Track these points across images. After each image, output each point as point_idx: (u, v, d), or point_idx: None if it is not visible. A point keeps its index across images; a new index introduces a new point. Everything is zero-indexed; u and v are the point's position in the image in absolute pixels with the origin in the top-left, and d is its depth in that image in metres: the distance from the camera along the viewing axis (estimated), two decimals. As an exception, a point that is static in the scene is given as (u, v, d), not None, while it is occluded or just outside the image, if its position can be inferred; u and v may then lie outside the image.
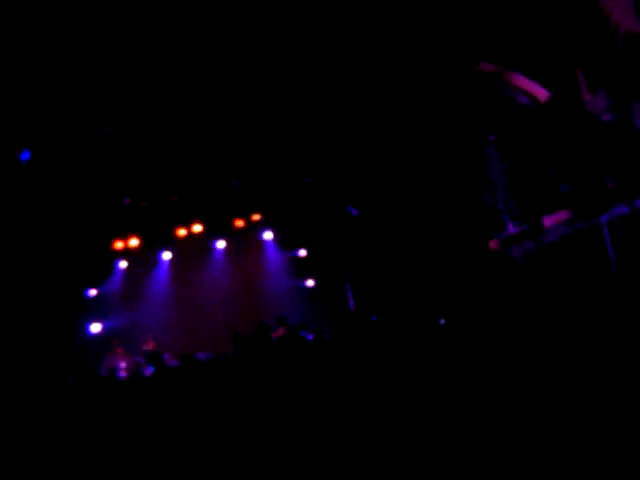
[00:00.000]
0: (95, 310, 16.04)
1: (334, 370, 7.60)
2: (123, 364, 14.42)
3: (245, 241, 16.51)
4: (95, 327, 15.83)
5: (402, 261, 14.26)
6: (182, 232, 16.16)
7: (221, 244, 16.47)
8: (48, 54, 10.60)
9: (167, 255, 16.49)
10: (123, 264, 16.40)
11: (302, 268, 16.15)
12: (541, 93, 12.02)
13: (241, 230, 16.38)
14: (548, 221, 11.84)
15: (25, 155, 12.33)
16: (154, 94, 12.31)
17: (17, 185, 13.19)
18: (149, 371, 12.04)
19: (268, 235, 16.50)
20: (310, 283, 16.14)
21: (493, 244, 12.73)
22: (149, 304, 16.38)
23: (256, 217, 16.29)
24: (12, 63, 10.58)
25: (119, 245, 16.21)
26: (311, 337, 11.17)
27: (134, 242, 16.16)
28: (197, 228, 16.11)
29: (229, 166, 14.79)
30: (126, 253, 16.43)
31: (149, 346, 14.28)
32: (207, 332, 15.05)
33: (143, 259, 16.50)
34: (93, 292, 16.03)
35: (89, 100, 12.16)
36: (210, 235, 16.38)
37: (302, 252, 16.20)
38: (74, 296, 15.71)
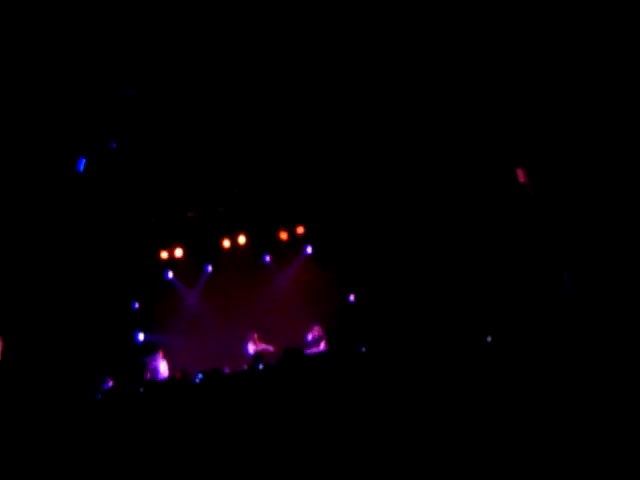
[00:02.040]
0: (141, 319, 16.30)
1: (380, 382, 7.56)
2: (166, 372, 14.64)
3: (289, 254, 16.53)
4: (141, 336, 16.10)
5: (449, 275, 14.11)
6: (227, 243, 16.30)
7: (266, 257, 16.58)
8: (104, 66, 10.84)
9: (211, 266, 16.65)
10: (170, 274, 16.62)
11: (344, 283, 16.07)
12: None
13: (285, 244, 16.41)
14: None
15: (81, 165, 12.62)
16: (204, 108, 12.48)
17: (70, 195, 13.52)
18: (199, 378, 12.15)
19: (309, 249, 16.52)
20: (351, 298, 16.07)
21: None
22: (192, 316, 16.55)
23: (300, 230, 16.30)
24: (67, 75, 10.83)
25: (164, 256, 16.44)
26: (364, 349, 11.13)
27: (179, 252, 16.37)
28: (242, 240, 16.23)
29: (275, 178, 14.87)
30: (172, 264, 16.65)
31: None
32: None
33: (188, 270, 16.67)
34: (137, 304, 16.32)
35: (137, 112, 12.39)
36: (255, 247, 16.45)
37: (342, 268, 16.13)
38: (123, 305, 16.00)
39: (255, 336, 14.72)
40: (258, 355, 14.09)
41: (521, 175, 11.90)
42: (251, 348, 14.57)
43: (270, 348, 14.43)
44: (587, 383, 6.01)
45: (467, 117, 12.67)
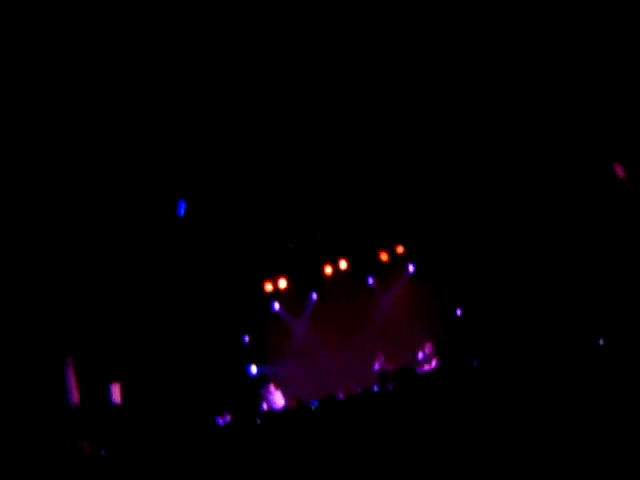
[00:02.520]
0: (252, 352, 16.64)
1: (493, 397, 7.39)
2: (281, 402, 14.82)
3: (391, 274, 16.49)
4: (253, 369, 16.42)
5: (554, 280, 13.73)
6: (329, 270, 16.43)
7: (369, 279, 16.60)
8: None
9: (315, 295, 16.83)
10: (276, 306, 16.91)
11: (449, 298, 15.86)
12: None
13: (386, 264, 16.39)
14: None
15: (182, 209, 13.11)
16: (295, 135, 12.73)
17: (175, 238, 14.06)
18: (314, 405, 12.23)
19: (411, 268, 16.43)
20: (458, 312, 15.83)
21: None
22: (301, 344, 16.73)
23: (400, 249, 16.25)
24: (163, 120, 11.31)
25: (269, 287, 16.73)
26: (476, 363, 10.90)
27: (283, 283, 16.63)
28: (343, 265, 16.32)
29: (370, 200, 14.91)
30: (277, 295, 16.92)
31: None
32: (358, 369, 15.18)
33: (293, 300, 16.90)
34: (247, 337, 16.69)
35: (229, 151, 12.77)
36: (357, 271, 16.51)
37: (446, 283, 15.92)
38: (234, 340, 16.40)
39: (382, 357, 14.65)
40: (384, 373, 13.95)
41: (619, 171, 11.50)
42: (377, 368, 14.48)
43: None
44: None
45: (564, 113, 12.37)
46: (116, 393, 14.04)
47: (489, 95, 12.26)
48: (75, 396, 13.20)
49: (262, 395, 15.18)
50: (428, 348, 14.18)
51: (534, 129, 12.87)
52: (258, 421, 12.28)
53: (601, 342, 8.79)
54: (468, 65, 11.52)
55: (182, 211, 13.40)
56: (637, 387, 6.17)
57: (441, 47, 11.15)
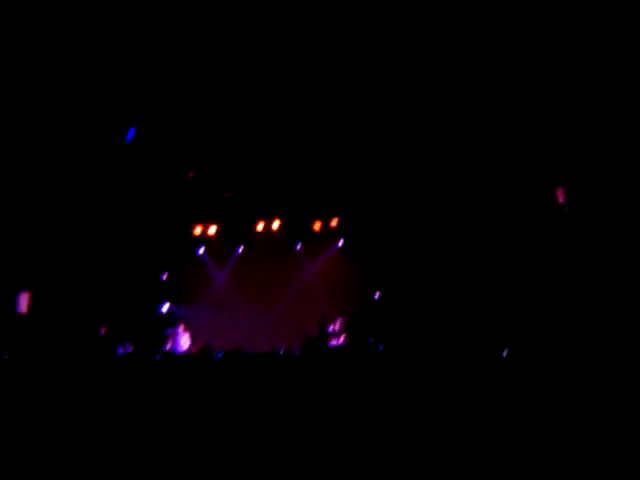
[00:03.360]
0: (168, 292, 16.63)
1: (391, 381, 7.63)
2: (187, 345, 14.91)
3: (320, 245, 16.65)
4: (165, 307, 16.44)
5: (476, 283, 14.14)
6: (260, 226, 16.48)
7: (298, 245, 16.72)
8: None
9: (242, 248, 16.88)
10: (201, 250, 16.90)
11: (371, 280, 16.13)
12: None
13: (318, 234, 16.53)
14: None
15: (130, 135, 12.97)
16: (254, 91, 12.65)
17: (116, 163, 13.87)
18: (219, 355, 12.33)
19: (340, 242, 16.60)
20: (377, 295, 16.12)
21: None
22: (218, 293, 16.81)
23: (334, 223, 16.39)
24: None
25: (197, 231, 16.69)
26: (381, 347, 11.19)
27: (212, 230, 16.62)
28: (275, 225, 16.39)
29: (315, 169, 14.98)
30: (204, 240, 16.90)
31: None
32: (269, 329, 15.37)
33: (219, 249, 16.91)
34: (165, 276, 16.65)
35: (187, 88, 12.61)
36: (288, 234, 16.60)
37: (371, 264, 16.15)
38: (151, 277, 16.33)
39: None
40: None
41: (561, 195, 11.87)
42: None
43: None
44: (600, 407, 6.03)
45: (511, 130, 12.65)
46: (23, 303, 13.86)
47: (430, 89, 12.42)
48: None
49: (169, 334, 15.21)
50: (339, 324, 14.42)
51: (474, 127, 13.11)
52: (157, 358, 12.35)
53: (505, 354, 9.13)
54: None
55: (130, 137, 13.26)
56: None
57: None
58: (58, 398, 7.41)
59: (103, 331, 13.90)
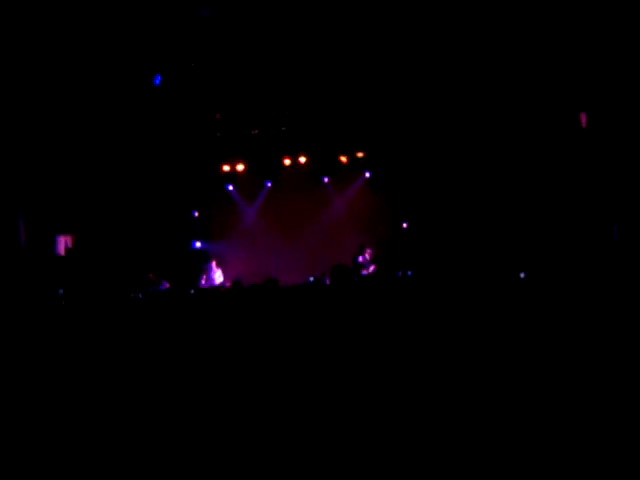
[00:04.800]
0: (200, 229, 17.03)
1: (417, 307, 7.85)
2: (220, 279, 15.37)
3: (347, 177, 16.81)
4: (198, 243, 16.85)
5: (500, 210, 14.27)
6: (287, 162, 16.66)
7: (325, 178, 16.90)
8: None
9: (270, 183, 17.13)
10: (230, 187, 17.19)
11: (398, 210, 16.32)
12: None
13: (345, 166, 16.67)
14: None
15: (157, 79, 13.21)
16: (278, 31, 12.70)
17: (145, 107, 14.12)
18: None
19: (367, 174, 16.74)
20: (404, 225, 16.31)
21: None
22: (248, 229, 17.16)
23: (360, 155, 16.49)
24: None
25: (226, 169, 16.93)
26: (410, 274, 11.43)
27: (240, 167, 16.84)
28: (302, 160, 16.55)
29: (340, 103, 15.05)
30: (233, 177, 17.16)
31: None
32: (300, 262, 15.77)
33: (248, 185, 17.16)
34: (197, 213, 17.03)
35: (213, 32, 12.71)
36: (314, 168, 16.77)
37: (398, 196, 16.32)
38: (183, 215, 16.70)
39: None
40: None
41: (584, 120, 11.87)
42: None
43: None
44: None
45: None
46: (61, 245, 14.34)
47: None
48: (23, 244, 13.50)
49: (203, 270, 15.67)
50: (369, 254, 14.72)
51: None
52: (192, 292, 12.79)
53: (522, 275, 9.32)
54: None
55: (157, 81, 13.52)
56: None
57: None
58: (101, 333, 7.76)
59: (149, 275, 14.35)
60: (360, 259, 14.73)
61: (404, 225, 16.24)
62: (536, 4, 11.50)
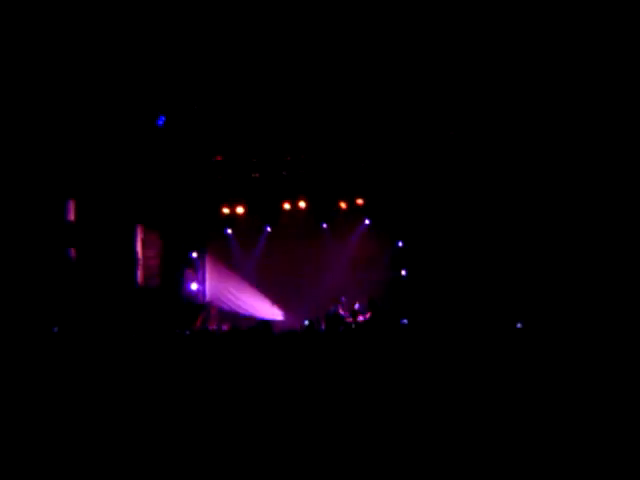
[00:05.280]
0: (196, 271, 16.96)
1: (409, 354, 7.79)
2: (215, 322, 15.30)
3: (347, 224, 16.82)
4: (194, 286, 16.75)
5: (501, 262, 14.22)
6: (287, 206, 16.67)
7: (324, 224, 16.90)
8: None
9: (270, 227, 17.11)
10: (228, 231, 17.17)
11: (397, 257, 16.31)
12: None
13: (344, 212, 16.69)
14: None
15: (161, 121, 13.33)
16: (280, 77, 12.83)
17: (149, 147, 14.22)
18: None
19: (367, 221, 16.74)
20: (403, 273, 16.27)
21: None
22: (246, 272, 17.10)
23: (360, 202, 16.52)
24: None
25: (226, 211, 16.92)
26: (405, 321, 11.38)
27: (240, 210, 16.84)
28: (302, 205, 16.57)
29: (340, 150, 15.12)
30: (232, 221, 17.15)
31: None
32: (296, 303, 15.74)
33: (248, 228, 17.14)
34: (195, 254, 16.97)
35: (216, 76, 12.84)
36: (314, 214, 16.79)
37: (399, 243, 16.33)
38: (181, 256, 16.66)
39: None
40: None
41: None
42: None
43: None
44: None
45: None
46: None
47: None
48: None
49: (199, 312, 15.60)
50: (364, 301, 14.70)
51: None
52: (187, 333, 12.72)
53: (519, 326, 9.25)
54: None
55: (161, 122, 13.64)
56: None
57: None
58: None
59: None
60: (357, 306, 14.68)
61: (403, 272, 16.21)
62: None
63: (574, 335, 7.58)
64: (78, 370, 7.52)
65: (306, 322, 13.64)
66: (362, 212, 16.67)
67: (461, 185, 14.96)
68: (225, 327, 15.09)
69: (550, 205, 13.24)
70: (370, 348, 8.52)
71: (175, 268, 16.51)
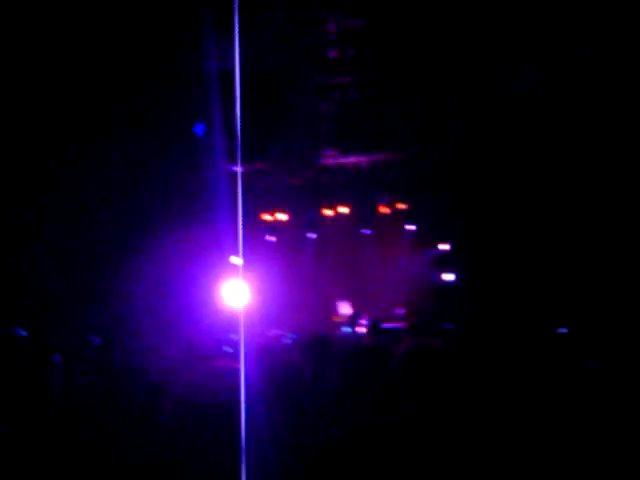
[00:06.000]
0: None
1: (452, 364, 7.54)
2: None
3: (388, 229, 16.67)
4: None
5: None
6: (328, 212, 16.60)
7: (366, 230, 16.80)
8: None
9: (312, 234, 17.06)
10: (270, 238, 17.15)
11: (441, 262, 16.12)
12: None
13: (386, 218, 16.55)
14: None
15: (200, 129, 13.41)
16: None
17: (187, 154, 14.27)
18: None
19: (411, 226, 16.58)
20: (449, 277, 16.05)
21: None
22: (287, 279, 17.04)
23: (402, 207, 16.38)
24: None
25: (267, 218, 16.92)
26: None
27: (282, 217, 16.82)
28: (343, 211, 16.49)
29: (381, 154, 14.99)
30: (273, 228, 17.13)
31: None
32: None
33: (289, 236, 17.12)
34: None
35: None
36: (356, 220, 16.66)
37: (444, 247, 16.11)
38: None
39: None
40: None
41: None
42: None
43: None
44: None
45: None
46: None
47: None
48: None
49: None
50: (405, 308, 14.57)
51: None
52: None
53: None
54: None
55: (200, 130, 13.72)
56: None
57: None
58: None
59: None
60: (399, 312, 14.51)
61: (447, 278, 15.97)
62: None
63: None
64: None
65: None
66: (405, 217, 16.52)
67: (508, 189, 14.59)
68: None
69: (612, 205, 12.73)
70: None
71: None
